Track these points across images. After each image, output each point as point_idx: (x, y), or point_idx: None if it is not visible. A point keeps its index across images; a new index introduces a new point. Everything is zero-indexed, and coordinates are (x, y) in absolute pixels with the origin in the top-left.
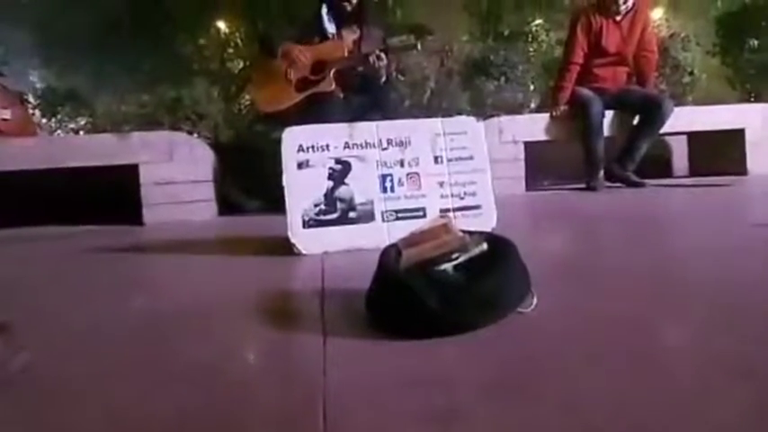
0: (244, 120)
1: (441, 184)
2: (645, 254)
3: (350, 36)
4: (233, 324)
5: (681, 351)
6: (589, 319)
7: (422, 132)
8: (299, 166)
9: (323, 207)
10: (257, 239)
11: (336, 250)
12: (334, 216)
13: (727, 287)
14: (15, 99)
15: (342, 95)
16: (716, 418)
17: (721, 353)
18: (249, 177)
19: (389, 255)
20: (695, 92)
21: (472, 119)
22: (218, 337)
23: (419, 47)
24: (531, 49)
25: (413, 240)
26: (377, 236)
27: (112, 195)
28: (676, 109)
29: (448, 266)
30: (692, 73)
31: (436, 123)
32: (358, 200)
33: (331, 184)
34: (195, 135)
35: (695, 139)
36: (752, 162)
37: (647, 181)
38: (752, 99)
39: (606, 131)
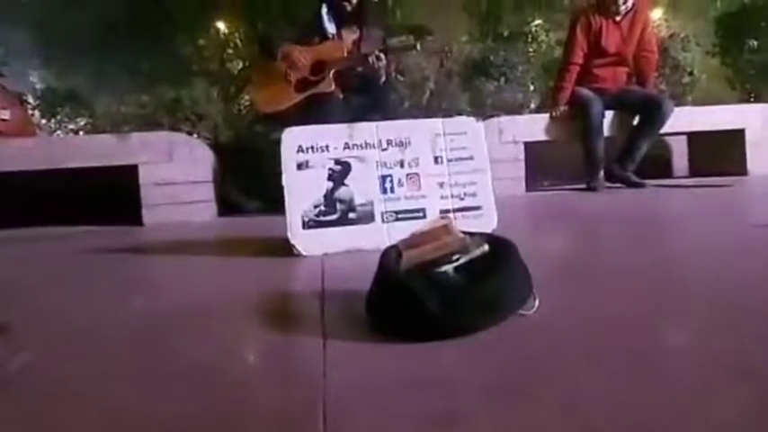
0: (243, 120)
1: (441, 185)
2: (645, 254)
3: (349, 36)
4: (232, 325)
5: (681, 351)
6: (590, 320)
7: (422, 133)
8: (299, 166)
9: (323, 208)
10: (257, 240)
11: (336, 251)
12: (333, 217)
13: (727, 287)
14: (15, 99)
15: (341, 96)
16: (716, 418)
17: (721, 353)
18: (249, 178)
19: (390, 256)
20: (695, 92)
21: (472, 119)
22: (217, 338)
23: (419, 47)
24: (530, 50)
25: (413, 242)
26: (377, 237)
27: (112, 196)
28: (676, 109)
29: (449, 268)
30: (691, 73)
31: (436, 124)
32: (358, 201)
33: (331, 184)
34: (195, 136)
35: (695, 139)
36: (752, 162)
37: (647, 181)
38: (751, 99)
39: (606, 132)
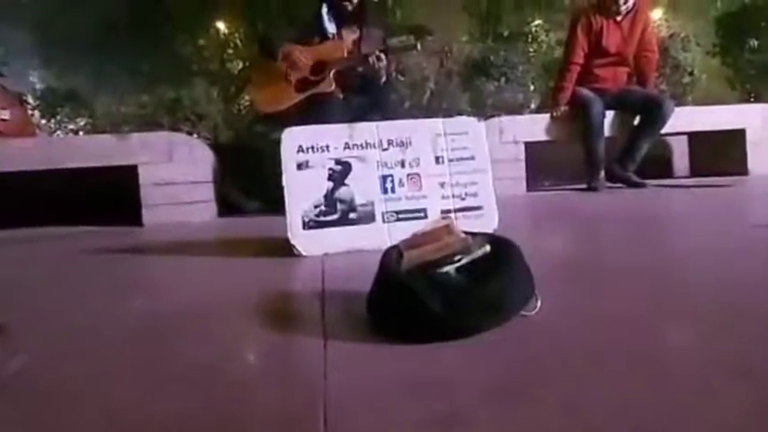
0: (243, 120)
1: (442, 185)
2: (646, 254)
3: (350, 36)
4: (233, 326)
5: (682, 352)
6: (592, 321)
7: (422, 133)
8: (299, 166)
9: (323, 208)
10: (257, 241)
11: (336, 252)
12: (334, 217)
13: (728, 287)
14: (14, 100)
15: (341, 96)
16: (717, 418)
17: (722, 353)
18: (249, 178)
19: (391, 257)
20: (695, 92)
21: (473, 119)
22: (217, 339)
23: (419, 47)
24: (530, 50)
25: (414, 242)
26: (377, 237)
27: (112, 196)
28: (677, 109)
29: (450, 269)
30: (692, 73)
31: (437, 123)
32: (358, 201)
33: (331, 184)
34: (195, 136)
35: (696, 139)
36: (753, 162)
37: (647, 181)
38: (752, 99)
39: (607, 132)
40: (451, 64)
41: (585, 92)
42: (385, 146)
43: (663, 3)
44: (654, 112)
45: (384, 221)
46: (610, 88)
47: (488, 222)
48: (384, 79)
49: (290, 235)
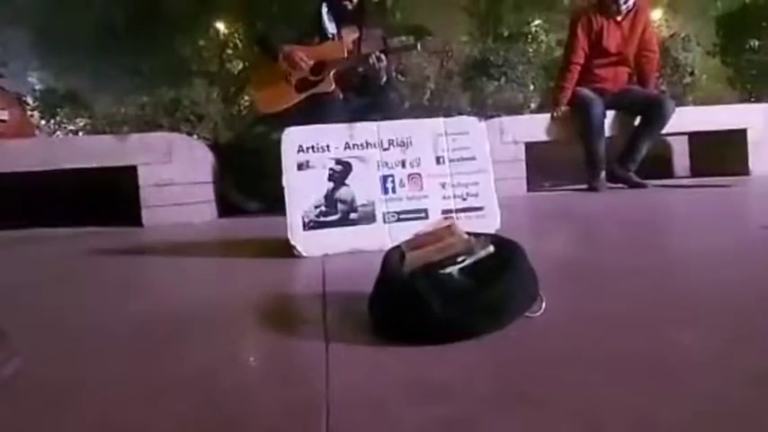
0: (243, 120)
1: (443, 185)
2: (649, 255)
3: (350, 36)
4: (233, 328)
5: (691, 354)
6: (596, 323)
7: (423, 132)
8: (300, 166)
9: (323, 208)
10: (257, 241)
11: (337, 252)
12: (334, 217)
13: (732, 288)
14: (13, 100)
15: (342, 96)
16: (723, 422)
17: (727, 354)
18: (249, 178)
19: (393, 257)
20: (695, 92)
21: (474, 119)
22: (218, 341)
23: (419, 47)
24: (530, 50)
25: (417, 243)
26: (378, 237)
27: (111, 197)
28: (678, 109)
29: (453, 270)
30: (692, 73)
31: (438, 123)
32: (359, 201)
33: (331, 185)
34: (194, 136)
35: (697, 139)
36: (754, 162)
37: (648, 181)
38: (752, 99)
39: (607, 132)
40: (452, 64)
41: (586, 92)
42: (386, 146)
43: (663, 3)
44: (654, 112)
45: (385, 222)
46: (610, 88)
47: (490, 223)
48: (384, 79)
49: (290, 235)
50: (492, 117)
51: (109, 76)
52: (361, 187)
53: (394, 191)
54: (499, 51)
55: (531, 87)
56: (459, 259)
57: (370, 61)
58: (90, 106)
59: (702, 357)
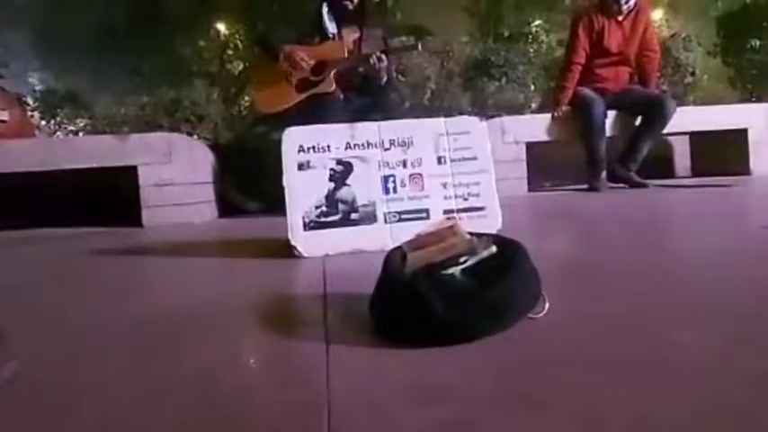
0: (243, 121)
1: (444, 185)
2: (650, 255)
3: (350, 36)
4: (233, 329)
5: (693, 355)
6: (598, 323)
7: (424, 132)
8: (300, 167)
9: (324, 209)
10: (257, 242)
11: (338, 253)
12: (335, 218)
13: (733, 289)
14: (13, 101)
15: (342, 96)
16: (725, 422)
17: (728, 354)
18: (249, 179)
19: (394, 258)
20: (696, 92)
21: (475, 119)
22: (218, 342)
23: (419, 48)
24: (531, 50)
25: (418, 243)
26: (379, 238)
27: (112, 197)
28: (679, 109)
29: (456, 270)
30: (693, 73)
31: (439, 123)
32: (360, 201)
33: (332, 185)
34: (195, 136)
35: (698, 139)
36: (755, 162)
37: (649, 181)
38: (753, 99)
39: (608, 132)
40: (452, 64)
41: (587, 92)
42: (387, 146)
43: (664, 3)
44: (655, 112)
45: (386, 222)
46: (611, 88)
47: (492, 223)
48: (385, 79)
49: (290, 236)
50: (493, 117)
51: (109, 77)
52: (362, 187)
53: (395, 191)
54: (500, 51)
55: (532, 87)
56: (462, 260)
57: (371, 61)
58: (90, 107)
59: (703, 358)
